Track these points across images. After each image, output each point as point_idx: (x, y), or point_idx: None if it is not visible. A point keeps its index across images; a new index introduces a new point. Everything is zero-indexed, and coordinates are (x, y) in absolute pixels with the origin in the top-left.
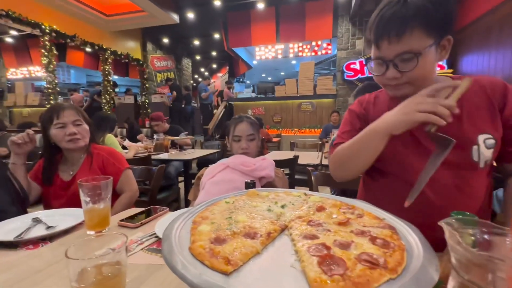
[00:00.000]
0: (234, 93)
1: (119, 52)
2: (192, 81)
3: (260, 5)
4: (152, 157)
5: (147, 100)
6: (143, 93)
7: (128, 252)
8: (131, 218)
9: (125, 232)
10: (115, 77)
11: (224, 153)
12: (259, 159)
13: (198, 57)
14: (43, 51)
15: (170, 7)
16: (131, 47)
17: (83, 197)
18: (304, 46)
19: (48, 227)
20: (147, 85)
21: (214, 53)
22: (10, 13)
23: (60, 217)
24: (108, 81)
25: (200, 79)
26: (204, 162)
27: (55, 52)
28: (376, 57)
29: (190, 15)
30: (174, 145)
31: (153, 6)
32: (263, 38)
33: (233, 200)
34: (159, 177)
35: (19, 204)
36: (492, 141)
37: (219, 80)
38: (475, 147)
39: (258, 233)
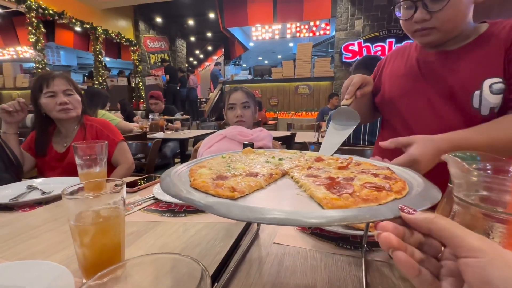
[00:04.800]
0: (222, 73)
1: (110, 32)
2: (186, 64)
3: None
4: (148, 136)
5: (140, 83)
6: (137, 75)
7: (126, 212)
8: (129, 184)
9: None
10: (107, 59)
11: None
12: (256, 130)
13: (192, 38)
14: (30, 28)
15: None
16: (123, 27)
17: (79, 161)
18: (302, 27)
19: (43, 193)
20: (140, 67)
21: (209, 34)
22: None
23: (56, 185)
24: (100, 62)
25: (195, 62)
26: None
27: (42, 29)
28: None
29: None
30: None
31: None
32: (260, 17)
33: (229, 156)
34: (155, 151)
35: (13, 172)
36: (500, 85)
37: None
38: (476, 92)
39: (260, 174)
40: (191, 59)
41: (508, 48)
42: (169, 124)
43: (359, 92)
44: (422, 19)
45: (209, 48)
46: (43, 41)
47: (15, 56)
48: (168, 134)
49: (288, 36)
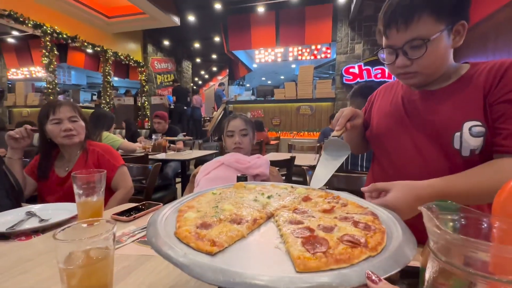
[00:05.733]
0: (226, 93)
1: (119, 54)
2: (192, 84)
3: (260, 9)
4: (150, 157)
5: (146, 102)
6: (143, 95)
7: (120, 243)
8: (125, 212)
9: (118, 225)
10: (115, 78)
11: (222, 154)
12: (254, 157)
13: (198, 60)
14: (44, 51)
15: (171, 9)
16: (132, 49)
17: (77, 190)
18: (304, 50)
19: (41, 220)
20: (146, 87)
21: (214, 56)
22: (12, 13)
23: (54, 211)
24: (108, 82)
25: (200, 82)
26: (201, 163)
27: (56, 52)
28: (386, 45)
29: (191, 18)
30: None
31: (154, 9)
32: (263, 41)
33: (220, 192)
34: (155, 175)
35: (13, 198)
36: (480, 129)
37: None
38: (457, 134)
39: (244, 219)
40: (196, 79)
41: (487, 94)
42: (171, 144)
43: (349, 124)
44: (403, 65)
45: (214, 69)
46: (55, 63)
47: (28, 76)
48: (170, 154)
49: (290, 59)
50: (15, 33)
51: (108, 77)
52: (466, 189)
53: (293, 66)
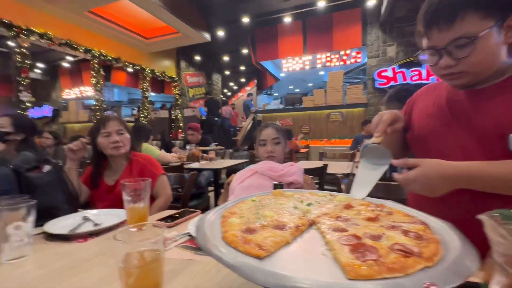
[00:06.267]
0: (254, 103)
1: (156, 71)
2: (222, 95)
3: (287, 19)
4: (184, 166)
5: (180, 114)
6: (177, 108)
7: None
8: (166, 218)
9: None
10: (152, 93)
11: (252, 163)
12: (287, 164)
13: (227, 72)
14: (92, 72)
15: (202, 27)
16: (167, 66)
17: (126, 197)
18: (332, 56)
19: (95, 224)
20: (180, 100)
21: (242, 68)
22: (68, 42)
23: (105, 216)
24: (146, 97)
25: (229, 93)
26: (233, 172)
27: (102, 73)
28: (428, 46)
29: (221, 33)
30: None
31: (187, 27)
32: (290, 50)
33: (259, 199)
34: (191, 183)
35: (71, 204)
36: None
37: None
38: (511, 135)
39: (287, 226)
40: (225, 90)
41: None
42: (204, 154)
43: (389, 129)
44: (447, 65)
45: (242, 80)
46: (102, 82)
47: (79, 95)
48: (203, 164)
49: (319, 66)
50: (69, 58)
51: (146, 93)
52: (503, 176)
53: (321, 73)
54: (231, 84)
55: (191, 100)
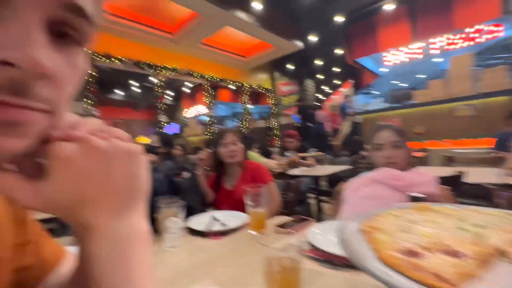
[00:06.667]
0: (351, 104)
1: (253, 85)
2: (314, 100)
3: (388, 7)
4: (286, 172)
5: (275, 123)
6: (272, 117)
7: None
8: (282, 224)
9: (279, 236)
10: (249, 106)
11: (356, 169)
12: (413, 172)
13: (320, 76)
14: (205, 93)
15: (294, 36)
16: (262, 79)
17: (248, 202)
18: (453, 37)
19: (222, 224)
20: (275, 109)
21: (336, 69)
22: (189, 71)
23: (230, 218)
24: (246, 110)
25: (323, 98)
26: (335, 178)
27: (212, 92)
28: None
29: (312, 38)
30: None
31: (280, 40)
32: (394, 40)
33: (400, 213)
34: (297, 190)
35: (203, 204)
36: None
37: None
38: None
39: (461, 253)
40: (319, 95)
41: None
42: (302, 161)
43: None
44: None
45: (336, 82)
46: (212, 101)
47: (195, 113)
48: (303, 170)
49: (434, 52)
50: (188, 84)
51: (246, 106)
52: None
53: (437, 60)
54: (325, 87)
55: (285, 108)
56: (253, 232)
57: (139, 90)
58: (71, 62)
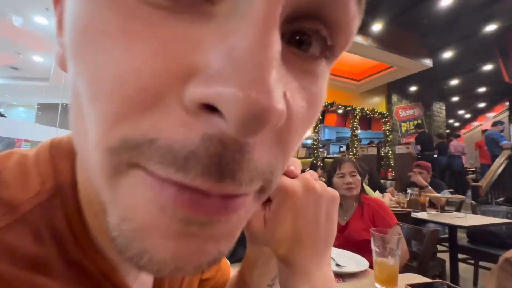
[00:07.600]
0: (506, 134)
1: (365, 109)
2: (445, 127)
3: None
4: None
5: (390, 151)
6: (386, 144)
7: None
8: (419, 286)
9: None
10: (358, 131)
11: None
12: None
13: (454, 99)
14: None
15: (422, 53)
16: (376, 102)
17: (374, 246)
18: None
19: (337, 265)
20: (390, 136)
21: (480, 90)
22: None
23: (346, 259)
24: (355, 136)
25: (456, 124)
26: (481, 234)
27: (320, 117)
28: None
29: (447, 54)
30: (431, 204)
31: (403, 59)
32: None
33: None
34: (432, 242)
35: None
36: None
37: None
38: None
39: None
40: (451, 121)
41: None
42: (444, 199)
43: None
44: None
45: (480, 105)
46: (319, 125)
47: None
48: (432, 215)
49: None
50: None
51: (356, 131)
52: None
53: None
54: (461, 112)
55: (403, 136)
56: (378, 286)
57: None
58: (307, 87)
